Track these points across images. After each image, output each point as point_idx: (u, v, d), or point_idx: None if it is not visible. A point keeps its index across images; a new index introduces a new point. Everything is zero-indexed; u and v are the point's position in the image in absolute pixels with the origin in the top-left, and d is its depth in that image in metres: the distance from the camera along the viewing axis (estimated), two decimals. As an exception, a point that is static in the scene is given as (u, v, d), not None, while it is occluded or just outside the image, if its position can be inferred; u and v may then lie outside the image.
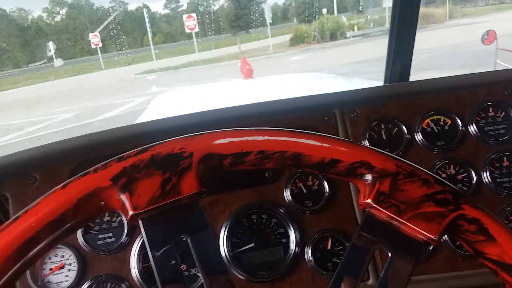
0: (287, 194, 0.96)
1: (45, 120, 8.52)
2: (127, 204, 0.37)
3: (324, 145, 0.42)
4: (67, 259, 0.88)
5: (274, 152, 0.42)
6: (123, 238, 0.89)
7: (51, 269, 0.88)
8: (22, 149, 0.88)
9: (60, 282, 0.88)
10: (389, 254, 0.40)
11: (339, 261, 0.94)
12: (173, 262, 0.39)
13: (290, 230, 0.94)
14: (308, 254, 0.93)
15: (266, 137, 0.42)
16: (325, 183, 0.96)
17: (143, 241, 0.90)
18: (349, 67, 9.42)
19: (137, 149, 0.39)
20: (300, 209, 0.95)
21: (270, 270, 0.93)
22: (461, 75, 1.04)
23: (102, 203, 0.38)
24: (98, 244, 0.89)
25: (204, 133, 0.42)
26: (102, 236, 0.90)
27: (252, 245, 0.94)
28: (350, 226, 0.96)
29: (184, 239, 0.40)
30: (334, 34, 16.22)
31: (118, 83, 13.64)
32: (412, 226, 0.39)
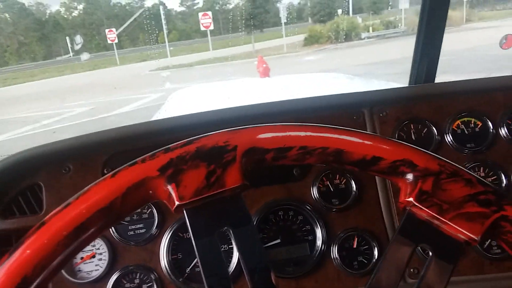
0: (314, 192, 0.96)
1: (60, 114, 8.62)
2: (174, 195, 0.38)
3: (366, 142, 0.42)
4: (98, 249, 0.90)
5: (316, 148, 0.42)
6: (153, 230, 0.91)
7: (82, 258, 0.90)
8: (57, 140, 0.90)
9: (91, 271, 0.90)
10: (430, 254, 0.40)
11: (365, 260, 0.94)
12: (217, 252, 0.40)
13: (317, 228, 0.95)
14: (334, 252, 0.94)
15: (308, 133, 0.43)
16: (353, 182, 0.97)
17: (172, 233, 0.91)
18: (364, 68, 9.35)
19: (183, 141, 0.40)
20: (326, 207, 0.96)
21: (296, 267, 0.93)
22: (494, 77, 1.03)
23: (150, 192, 0.39)
24: (129, 235, 0.91)
25: (248, 127, 0.42)
26: (133, 227, 0.91)
27: (278, 241, 0.95)
28: (377, 226, 0.96)
29: (226, 233, 0.41)
30: (349, 35, 16.13)
31: (133, 78, 13.74)
32: (454, 225, 0.39)
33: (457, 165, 0.41)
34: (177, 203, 0.38)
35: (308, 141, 0.42)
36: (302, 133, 0.42)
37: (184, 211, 0.39)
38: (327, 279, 0.93)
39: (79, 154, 0.91)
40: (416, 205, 0.40)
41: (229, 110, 0.96)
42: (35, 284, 0.35)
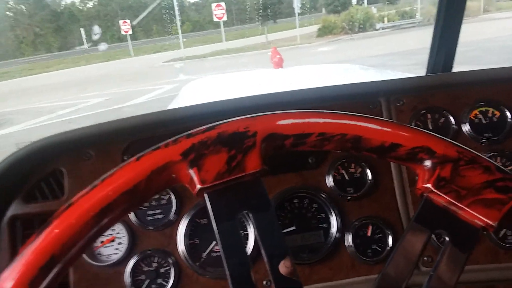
0: (329, 180, 0.97)
1: (75, 104, 8.74)
2: (195, 178, 0.39)
3: (384, 129, 0.42)
4: (118, 233, 0.92)
5: (334, 134, 0.42)
6: (171, 216, 0.92)
7: (102, 241, 0.92)
8: (78, 127, 0.92)
9: (110, 254, 0.92)
10: (446, 239, 0.41)
11: (379, 249, 0.95)
12: (237, 236, 0.41)
13: (331, 216, 0.95)
14: (349, 240, 0.94)
15: (327, 120, 0.43)
16: (368, 171, 0.97)
17: (190, 219, 0.93)
18: (378, 59, 9.24)
19: (204, 126, 0.41)
20: (341, 195, 0.96)
21: (311, 253, 0.94)
22: None
23: (173, 175, 0.40)
24: (148, 220, 0.93)
25: (267, 113, 0.43)
26: (152, 212, 0.93)
27: (293, 228, 0.96)
28: (391, 215, 0.96)
29: (241, 219, 0.41)
30: (363, 26, 15.91)
31: (147, 70, 13.82)
32: (472, 211, 0.40)
33: (475, 152, 0.41)
34: (198, 186, 0.39)
35: (327, 127, 0.42)
36: (321, 120, 0.43)
37: (205, 195, 0.40)
38: (341, 266, 0.94)
39: (99, 141, 0.93)
40: (434, 191, 0.40)
41: (246, 99, 0.97)
42: (62, 262, 0.36)
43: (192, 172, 0.39)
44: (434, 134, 0.42)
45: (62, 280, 0.92)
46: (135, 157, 0.40)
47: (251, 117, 0.42)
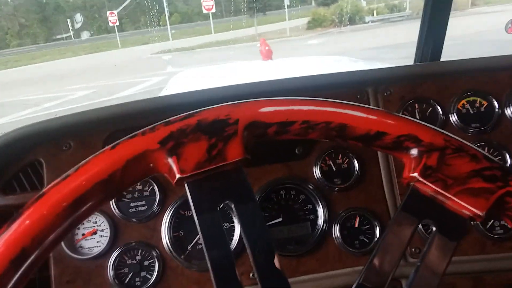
0: (316, 171, 0.96)
1: (61, 97, 8.61)
2: (174, 168, 0.38)
3: (370, 117, 0.41)
4: (99, 225, 0.90)
5: (319, 122, 0.41)
6: (155, 207, 0.90)
7: (83, 234, 0.90)
8: (58, 116, 0.89)
9: (92, 247, 0.90)
10: (433, 229, 0.40)
11: (366, 240, 0.94)
12: (218, 226, 0.39)
13: (319, 207, 0.94)
14: (336, 231, 0.93)
15: (311, 107, 0.42)
16: (355, 162, 0.96)
17: (174, 210, 0.91)
18: (367, 52, 9.26)
19: (183, 114, 0.39)
20: (328, 186, 0.95)
21: (298, 245, 0.93)
22: (500, 56, 1.01)
23: (151, 165, 0.38)
24: (130, 212, 0.91)
25: (249, 100, 0.41)
26: (134, 204, 0.91)
27: (280, 219, 0.95)
28: (379, 206, 0.96)
29: (227, 211, 0.40)
30: (353, 18, 15.93)
31: (134, 62, 13.67)
32: (459, 201, 0.39)
33: (462, 140, 0.40)
34: (178, 176, 0.38)
35: (311, 115, 0.41)
36: (305, 107, 0.41)
37: (185, 185, 0.39)
38: (328, 258, 0.94)
39: (79, 131, 0.91)
40: (420, 181, 0.39)
41: (230, 88, 0.95)
42: (33, 256, 0.35)
43: (171, 161, 0.38)
44: (421, 122, 0.41)
45: (43, 274, 0.90)
46: (110, 146, 0.38)
47: (232, 104, 0.41)
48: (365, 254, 0.93)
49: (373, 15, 16.52)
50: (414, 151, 0.40)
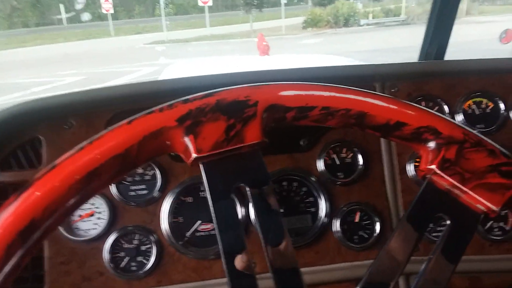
0: (320, 164, 0.95)
1: (51, 82, 8.48)
2: (191, 147, 0.37)
3: (391, 106, 0.41)
4: (97, 207, 0.88)
5: (339, 109, 0.41)
6: (155, 192, 0.89)
7: (80, 215, 0.88)
8: (61, 93, 0.87)
9: (88, 229, 0.88)
10: (447, 222, 0.40)
11: (365, 235, 0.94)
12: (232, 208, 0.39)
13: (320, 200, 0.94)
14: (336, 225, 0.93)
15: (332, 93, 0.41)
16: (360, 156, 0.96)
17: (174, 196, 0.89)
18: (361, 55, 9.32)
19: (202, 93, 0.39)
20: (331, 180, 0.95)
21: (297, 237, 0.93)
22: (509, 58, 1.01)
23: (167, 142, 0.37)
24: (130, 195, 0.89)
25: (270, 83, 0.41)
26: (135, 187, 0.89)
27: (281, 211, 0.94)
28: (380, 202, 0.96)
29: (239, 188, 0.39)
30: (348, 20, 16.01)
31: (127, 51, 13.53)
32: (475, 195, 0.39)
33: (481, 135, 0.40)
34: (194, 155, 0.37)
35: (332, 101, 0.41)
36: (326, 93, 0.41)
37: (201, 165, 0.38)
38: (327, 251, 0.93)
39: (82, 110, 0.88)
40: (438, 173, 0.39)
41: (238, 74, 0.93)
42: (42, 228, 0.34)
43: (187, 140, 0.37)
44: (440, 114, 0.41)
45: (35, 254, 0.88)
46: (126, 120, 0.37)
47: (253, 86, 0.40)
48: (364, 249, 0.93)
49: (368, 18, 16.62)
50: (432, 144, 0.40)
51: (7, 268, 0.32)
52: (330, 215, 0.93)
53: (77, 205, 0.36)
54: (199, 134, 0.37)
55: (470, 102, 0.98)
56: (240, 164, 0.39)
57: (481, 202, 0.39)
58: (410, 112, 0.40)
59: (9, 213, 0.32)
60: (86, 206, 0.88)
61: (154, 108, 0.37)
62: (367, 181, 0.96)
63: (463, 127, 0.40)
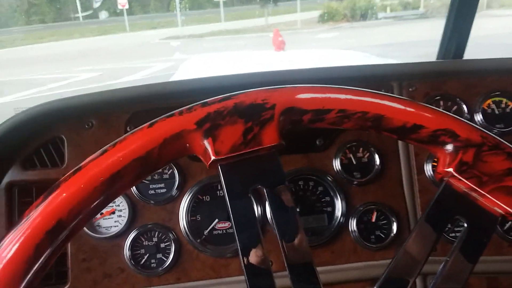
0: (336, 164, 0.95)
1: (67, 78, 8.58)
2: (210, 149, 0.38)
3: (408, 109, 0.41)
4: (118, 206, 0.90)
5: (355, 112, 0.41)
6: (174, 191, 0.90)
7: (102, 213, 0.90)
8: (82, 94, 0.89)
9: (110, 227, 0.90)
10: (465, 225, 0.40)
11: (382, 235, 0.94)
12: (250, 211, 0.39)
13: (337, 200, 0.94)
14: (353, 225, 0.93)
15: (349, 96, 0.41)
16: (376, 156, 0.95)
17: (192, 195, 0.91)
18: (378, 49, 9.17)
19: (220, 96, 0.39)
20: (347, 179, 0.95)
21: (313, 237, 0.93)
22: None
23: (187, 145, 0.38)
24: (149, 194, 0.91)
25: (286, 86, 0.41)
26: (154, 186, 0.91)
27: (297, 209, 0.94)
28: (397, 202, 0.95)
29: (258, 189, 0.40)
30: (365, 14, 15.77)
31: (142, 46, 13.61)
32: (493, 198, 0.38)
33: (499, 138, 0.40)
34: (213, 158, 0.38)
35: (348, 104, 0.41)
36: (342, 96, 0.41)
37: (219, 167, 0.39)
38: (343, 251, 0.93)
39: (102, 110, 0.90)
40: (455, 176, 0.39)
41: (255, 75, 0.94)
42: (68, 228, 0.35)
43: (206, 142, 0.38)
44: (458, 117, 0.41)
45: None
46: (147, 124, 0.38)
47: (269, 89, 0.40)
48: (380, 249, 0.93)
49: (386, 11, 16.35)
50: (449, 146, 0.40)
51: (36, 267, 0.33)
52: (347, 214, 0.94)
53: (101, 207, 0.37)
54: (217, 137, 0.38)
55: (489, 101, 0.97)
56: (257, 167, 0.40)
57: (499, 205, 0.38)
58: (427, 114, 0.40)
59: (38, 214, 0.34)
60: None
61: (173, 112, 0.38)
62: (384, 181, 0.96)
63: (481, 130, 0.40)
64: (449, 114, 0.41)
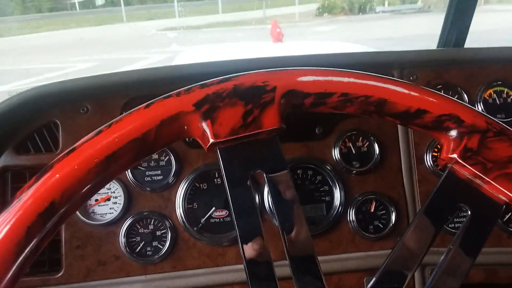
0: (335, 153, 0.94)
1: (64, 68, 8.52)
2: (208, 132, 0.37)
3: (412, 93, 0.40)
4: (113, 192, 0.89)
5: (358, 96, 0.40)
6: (170, 178, 0.89)
7: (96, 200, 0.89)
8: (77, 78, 0.87)
9: (104, 213, 0.89)
10: (468, 213, 0.39)
11: (381, 225, 0.93)
12: (249, 194, 0.38)
13: (335, 189, 0.93)
14: (351, 214, 0.93)
15: (351, 79, 0.40)
16: (376, 145, 0.94)
17: (189, 182, 0.89)
18: (376, 43, 9.15)
19: (219, 78, 0.38)
20: (346, 169, 0.94)
21: (312, 226, 0.92)
22: None
23: (185, 127, 0.37)
24: (145, 181, 0.89)
25: (288, 68, 0.40)
26: (150, 173, 0.90)
27: None
28: (396, 192, 0.95)
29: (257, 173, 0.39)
30: (363, 7, 15.72)
31: (139, 37, 13.51)
32: (497, 185, 0.38)
33: (504, 124, 0.39)
34: (211, 140, 0.37)
35: (351, 87, 0.40)
36: (345, 79, 0.40)
37: (218, 151, 0.38)
38: (341, 241, 0.93)
39: (98, 94, 0.88)
40: (459, 162, 0.39)
41: (254, 60, 0.92)
42: (62, 211, 0.34)
43: (205, 125, 0.37)
44: (463, 102, 0.40)
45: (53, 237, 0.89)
46: (144, 104, 0.37)
47: (270, 71, 0.39)
48: (379, 239, 0.92)
49: (384, 5, 16.30)
50: (454, 132, 0.39)
51: (27, 250, 0.32)
52: (345, 204, 0.93)
53: (95, 189, 0.36)
54: (216, 120, 0.37)
55: (490, 91, 0.96)
56: (257, 150, 0.39)
57: (503, 193, 0.38)
58: (431, 99, 0.39)
59: (29, 195, 0.33)
60: (102, 190, 0.89)
61: (171, 93, 0.37)
62: (383, 171, 0.95)
63: (487, 116, 0.39)
64: (453, 100, 0.40)
